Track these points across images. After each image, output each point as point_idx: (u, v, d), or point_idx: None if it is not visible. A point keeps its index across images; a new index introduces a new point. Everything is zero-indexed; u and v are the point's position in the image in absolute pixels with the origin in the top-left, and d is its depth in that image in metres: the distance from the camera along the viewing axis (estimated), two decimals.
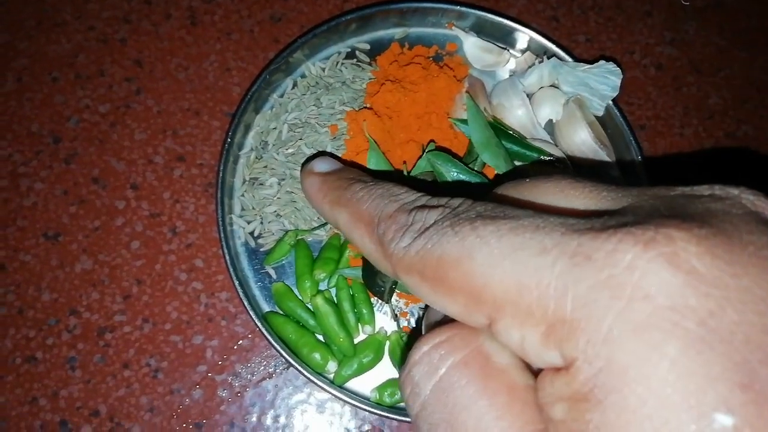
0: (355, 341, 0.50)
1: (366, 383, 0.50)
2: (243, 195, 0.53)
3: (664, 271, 0.16)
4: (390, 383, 0.49)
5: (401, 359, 0.49)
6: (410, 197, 0.26)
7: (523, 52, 0.58)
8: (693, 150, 0.61)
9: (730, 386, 0.15)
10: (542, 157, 0.52)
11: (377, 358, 0.49)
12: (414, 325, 0.52)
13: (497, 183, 0.50)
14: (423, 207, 0.24)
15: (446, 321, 0.23)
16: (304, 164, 0.33)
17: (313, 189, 0.31)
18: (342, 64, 0.57)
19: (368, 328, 0.50)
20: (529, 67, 0.57)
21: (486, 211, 0.21)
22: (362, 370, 0.49)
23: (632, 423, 0.16)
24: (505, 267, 0.19)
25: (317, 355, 0.48)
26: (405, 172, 0.49)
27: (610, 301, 0.17)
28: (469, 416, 0.20)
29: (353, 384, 0.50)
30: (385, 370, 0.50)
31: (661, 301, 0.16)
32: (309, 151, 0.53)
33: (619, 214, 0.19)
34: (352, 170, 0.32)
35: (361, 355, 0.49)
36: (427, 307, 0.27)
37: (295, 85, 0.56)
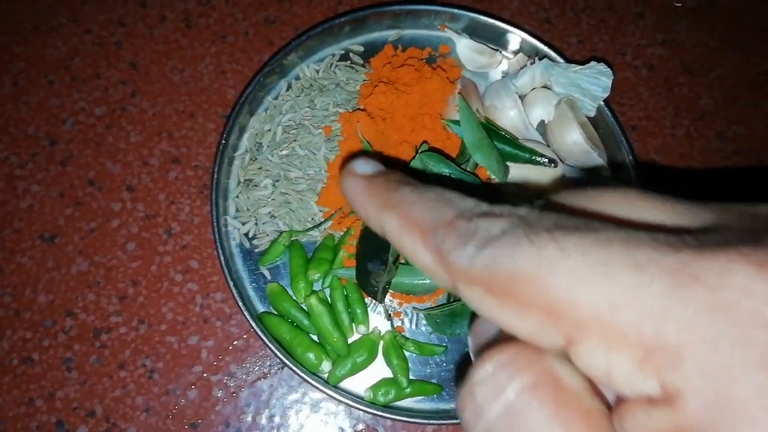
0: (349, 341, 0.50)
1: (360, 383, 0.50)
2: (238, 196, 0.53)
3: None
4: (384, 383, 0.50)
5: (393, 359, 0.50)
6: (468, 203, 0.23)
7: (515, 53, 0.59)
8: (684, 150, 0.62)
9: None
10: (534, 157, 0.53)
11: (371, 357, 0.50)
12: (408, 325, 0.52)
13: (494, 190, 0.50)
14: (485, 214, 0.22)
15: (501, 340, 0.22)
16: (342, 166, 0.31)
17: (356, 191, 0.29)
18: (336, 66, 0.58)
19: (362, 328, 0.50)
20: (522, 68, 0.57)
21: (561, 220, 0.19)
22: (356, 369, 0.50)
23: None
24: (593, 282, 0.17)
25: (311, 355, 0.49)
26: None
27: (726, 328, 0.15)
28: None
29: (347, 383, 0.50)
30: (379, 369, 0.51)
31: None
32: (303, 153, 0.53)
33: (713, 231, 0.18)
34: (398, 173, 0.29)
35: (355, 355, 0.49)
36: (472, 324, 0.25)
37: (289, 87, 0.57)
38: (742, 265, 0.15)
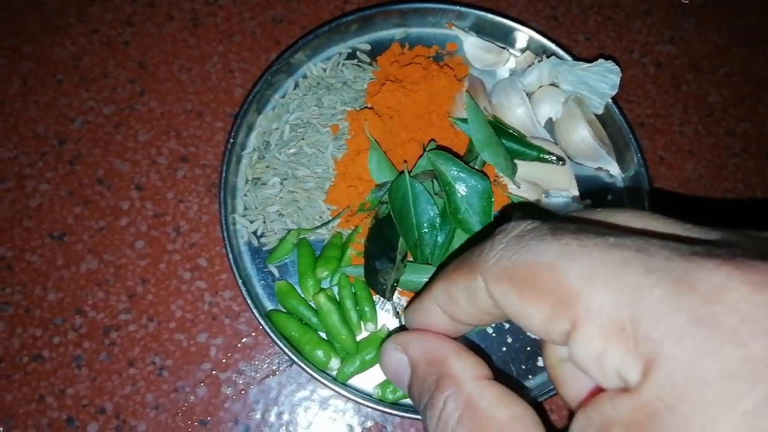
0: (358, 339, 0.50)
1: (369, 380, 0.50)
2: (246, 195, 0.54)
3: (766, 320, 0.16)
4: None
5: None
6: None
7: (522, 51, 0.59)
8: (692, 148, 0.62)
9: None
10: (542, 155, 0.53)
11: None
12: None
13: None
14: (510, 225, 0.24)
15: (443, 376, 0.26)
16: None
17: (414, 307, 0.31)
18: (343, 64, 0.58)
19: (370, 326, 0.50)
20: (529, 66, 0.57)
21: (583, 226, 0.21)
22: (365, 367, 0.50)
23: None
24: (605, 277, 0.19)
25: (320, 353, 0.49)
26: (406, 171, 0.50)
27: (704, 341, 0.16)
28: None
29: (356, 381, 0.50)
30: None
31: (755, 351, 0.16)
32: (311, 151, 0.53)
33: (722, 245, 0.19)
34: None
35: (364, 353, 0.49)
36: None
37: (296, 85, 0.57)
38: (738, 283, 0.17)
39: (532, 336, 0.52)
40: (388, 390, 0.49)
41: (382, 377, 0.50)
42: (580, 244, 0.20)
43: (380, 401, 0.49)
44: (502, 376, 0.52)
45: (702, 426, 0.16)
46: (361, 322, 0.50)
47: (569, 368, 0.26)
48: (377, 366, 0.50)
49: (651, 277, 0.18)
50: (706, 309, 0.17)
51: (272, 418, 0.51)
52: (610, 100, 0.55)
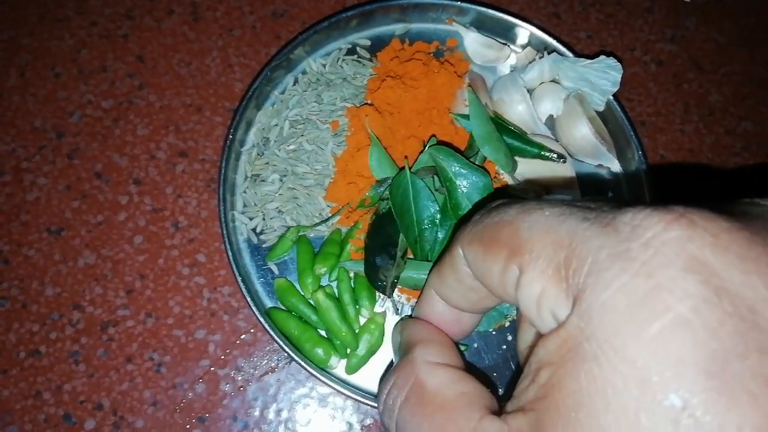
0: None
1: (371, 380, 0.50)
2: (245, 191, 0.53)
3: (674, 254, 0.17)
4: None
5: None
6: None
7: (523, 47, 0.59)
8: (693, 147, 0.61)
9: (697, 371, 0.16)
10: (543, 152, 0.53)
11: (381, 336, 0.49)
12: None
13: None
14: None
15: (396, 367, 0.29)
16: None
17: (422, 299, 0.33)
18: (343, 60, 0.57)
19: (366, 312, 0.50)
20: (530, 62, 0.57)
21: (550, 199, 0.24)
22: (371, 352, 0.49)
23: (601, 388, 0.17)
24: (548, 225, 0.21)
25: (320, 351, 0.48)
26: (407, 168, 0.49)
27: (618, 273, 0.18)
28: None
29: (357, 379, 0.50)
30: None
31: (661, 281, 0.17)
32: (310, 148, 0.53)
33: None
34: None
35: (365, 336, 0.49)
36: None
37: (296, 81, 0.57)
38: (653, 222, 0.18)
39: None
40: None
41: None
42: (537, 204, 0.23)
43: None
44: (483, 377, 0.52)
45: (614, 350, 0.17)
46: (360, 308, 0.50)
47: None
48: (383, 363, 0.50)
49: (585, 223, 0.20)
50: (624, 245, 0.18)
51: (271, 415, 0.51)
52: (611, 97, 0.55)
